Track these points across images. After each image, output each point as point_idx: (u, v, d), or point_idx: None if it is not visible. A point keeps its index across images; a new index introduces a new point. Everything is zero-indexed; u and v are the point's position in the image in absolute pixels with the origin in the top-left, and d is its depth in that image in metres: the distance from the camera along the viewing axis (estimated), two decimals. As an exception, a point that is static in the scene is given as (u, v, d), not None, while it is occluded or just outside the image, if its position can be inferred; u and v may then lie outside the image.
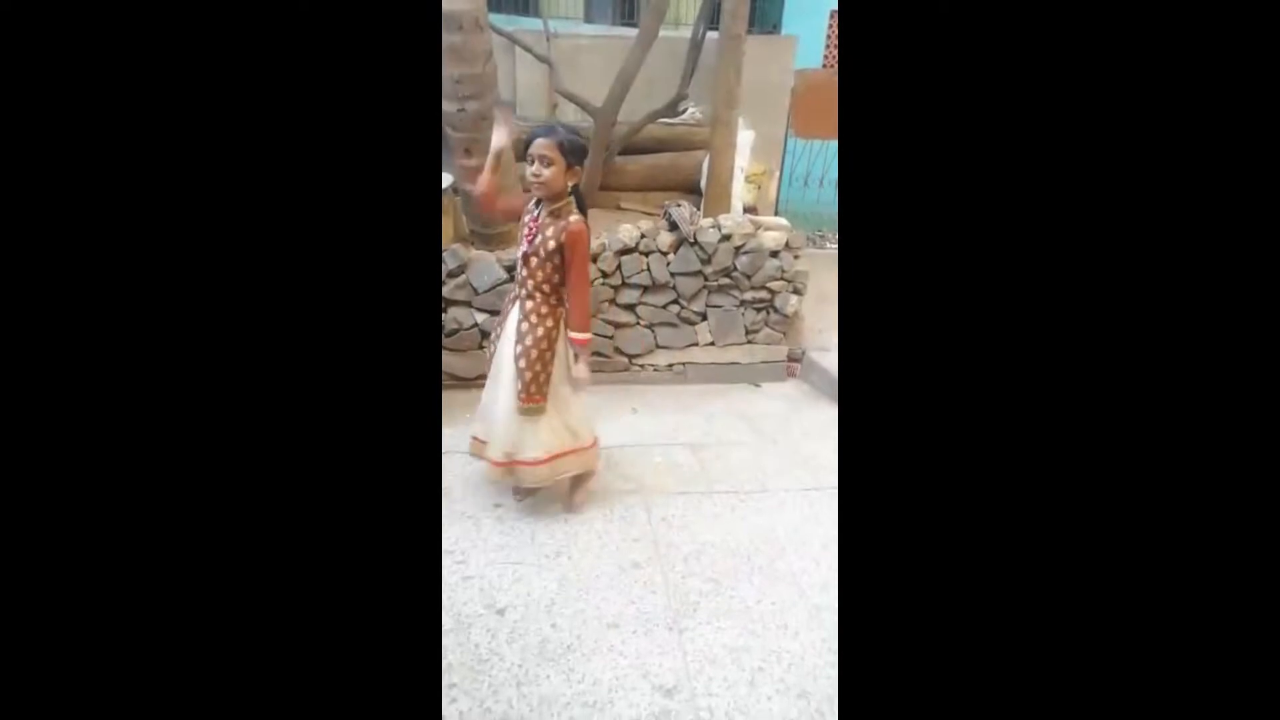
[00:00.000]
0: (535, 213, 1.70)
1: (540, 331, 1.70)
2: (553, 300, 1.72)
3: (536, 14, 4.06)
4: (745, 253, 2.79)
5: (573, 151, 1.61)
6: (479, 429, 1.91)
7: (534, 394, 1.73)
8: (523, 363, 1.71)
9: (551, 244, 1.65)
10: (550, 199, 1.65)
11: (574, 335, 1.73)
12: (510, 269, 2.61)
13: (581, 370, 1.76)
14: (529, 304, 1.71)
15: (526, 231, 1.69)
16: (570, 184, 1.65)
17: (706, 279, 2.83)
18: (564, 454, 1.84)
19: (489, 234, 2.75)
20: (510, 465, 1.80)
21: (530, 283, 1.70)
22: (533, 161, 1.60)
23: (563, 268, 1.67)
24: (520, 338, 1.71)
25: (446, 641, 1.48)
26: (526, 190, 1.70)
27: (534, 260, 1.68)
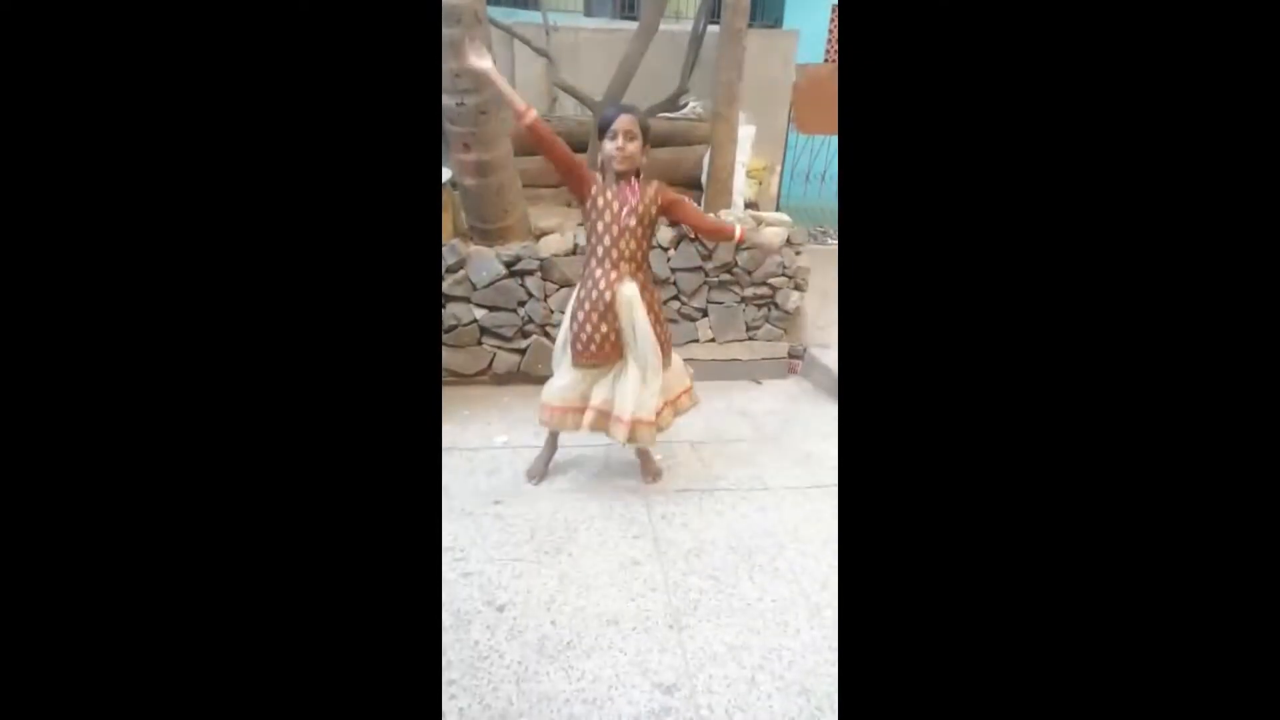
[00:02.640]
0: (613, 188, 1.76)
1: (657, 294, 1.91)
2: (645, 267, 1.87)
3: (536, 7, 4.03)
4: (746, 249, 2.78)
5: (646, 129, 1.74)
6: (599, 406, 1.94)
7: (669, 349, 1.96)
8: (657, 325, 1.87)
9: (655, 209, 1.77)
10: (629, 174, 1.75)
11: (739, 235, 1.90)
12: (510, 264, 2.60)
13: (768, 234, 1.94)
14: (640, 275, 1.83)
15: (622, 206, 1.76)
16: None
17: (707, 275, 2.82)
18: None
19: (488, 229, 2.74)
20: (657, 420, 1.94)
21: (639, 254, 1.82)
22: (616, 137, 1.69)
23: (652, 234, 1.83)
24: (651, 305, 1.85)
25: (446, 638, 1.47)
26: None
27: (639, 230, 1.78)
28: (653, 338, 1.85)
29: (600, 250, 1.80)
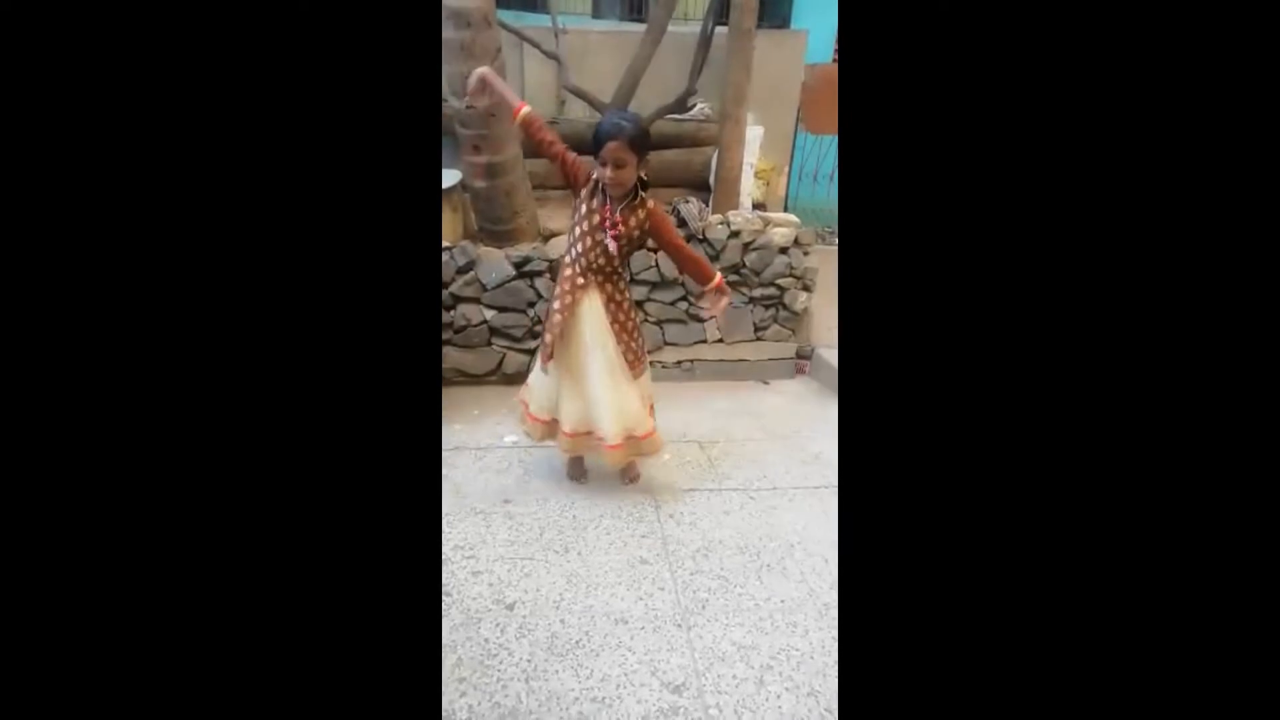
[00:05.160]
0: (602, 200, 1.70)
1: (629, 305, 1.88)
2: (626, 278, 1.88)
3: (545, 10, 4.03)
4: (754, 249, 2.79)
5: (642, 144, 1.63)
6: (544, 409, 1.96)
7: (641, 358, 1.92)
8: (625, 336, 1.85)
9: (639, 231, 1.73)
10: (626, 194, 1.67)
11: (716, 283, 1.82)
12: (519, 265, 2.61)
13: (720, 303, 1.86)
14: (609, 287, 1.81)
15: (604, 221, 1.70)
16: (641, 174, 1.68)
17: (715, 275, 2.82)
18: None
19: (498, 231, 2.75)
20: (629, 443, 1.92)
21: (608, 269, 1.79)
22: (605, 165, 1.60)
23: (631, 251, 1.81)
24: (615, 316, 1.82)
25: (456, 636, 1.49)
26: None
27: (625, 247, 1.75)
28: (613, 353, 1.82)
29: (575, 251, 1.77)
